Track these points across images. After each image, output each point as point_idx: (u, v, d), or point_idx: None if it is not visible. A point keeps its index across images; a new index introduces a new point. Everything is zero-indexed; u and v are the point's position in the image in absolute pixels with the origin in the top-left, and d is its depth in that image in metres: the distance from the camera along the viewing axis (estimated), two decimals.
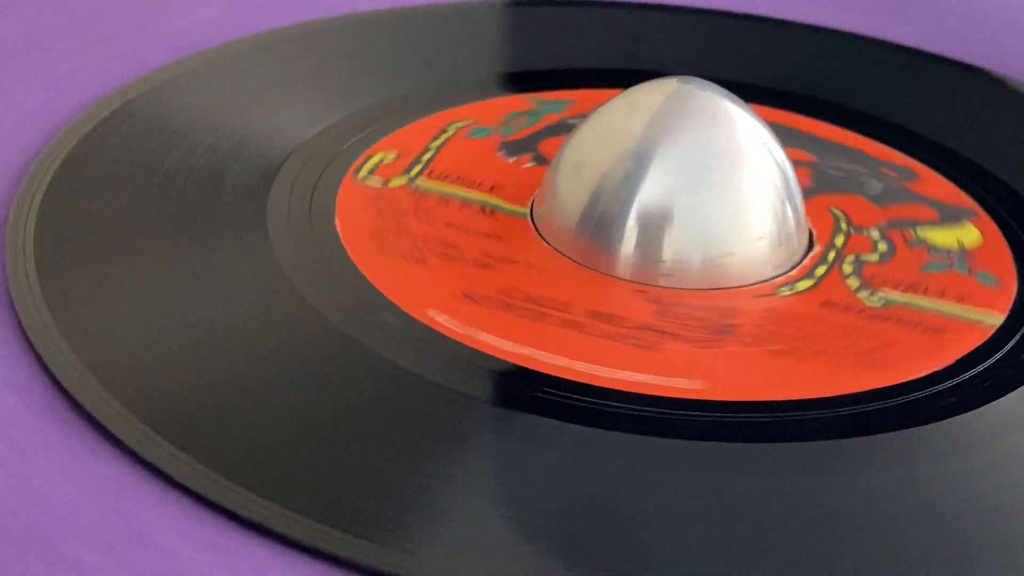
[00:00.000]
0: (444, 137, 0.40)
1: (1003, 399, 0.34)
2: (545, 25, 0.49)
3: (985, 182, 0.42)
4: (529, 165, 0.40)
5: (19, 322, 0.33)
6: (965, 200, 0.41)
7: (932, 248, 0.39)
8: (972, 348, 0.35)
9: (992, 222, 0.40)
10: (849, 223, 0.39)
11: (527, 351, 0.33)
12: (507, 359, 0.33)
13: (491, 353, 0.33)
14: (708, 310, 0.35)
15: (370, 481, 0.30)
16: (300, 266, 0.35)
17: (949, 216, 0.40)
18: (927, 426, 0.33)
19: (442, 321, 0.34)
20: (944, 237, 0.39)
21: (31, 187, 0.38)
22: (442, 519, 0.30)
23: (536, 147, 0.41)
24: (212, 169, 0.39)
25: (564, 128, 0.41)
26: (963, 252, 0.39)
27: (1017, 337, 0.36)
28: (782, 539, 0.30)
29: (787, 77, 0.46)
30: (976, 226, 0.40)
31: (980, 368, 0.35)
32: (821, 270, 0.37)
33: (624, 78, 0.41)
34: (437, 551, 0.29)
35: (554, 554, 0.29)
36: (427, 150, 0.40)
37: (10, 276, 0.35)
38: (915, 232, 0.39)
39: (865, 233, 0.39)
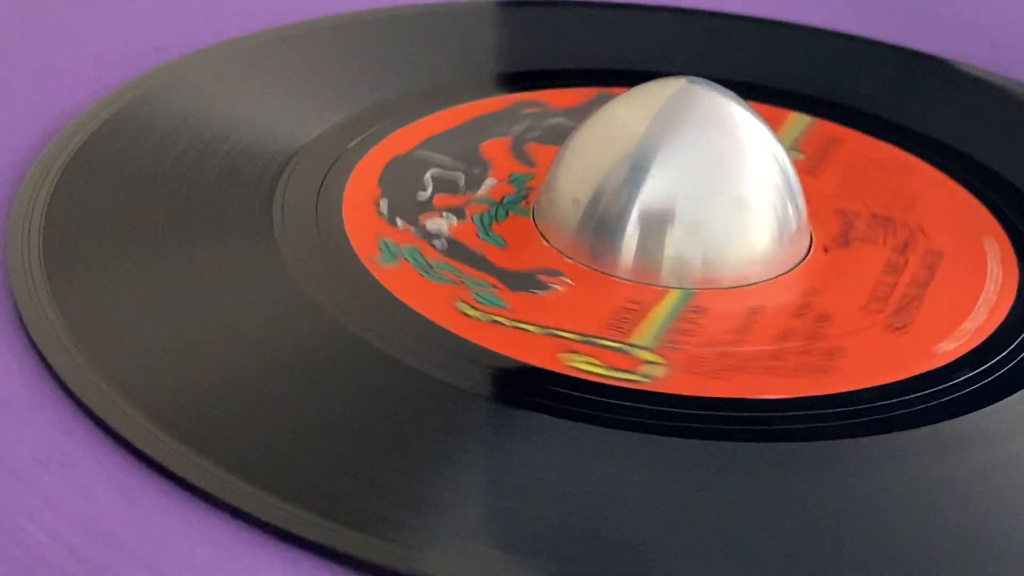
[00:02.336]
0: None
1: (1005, 401, 0.34)
2: (545, 25, 0.49)
3: (985, 180, 0.42)
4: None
5: (22, 321, 0.33)
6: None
7: None
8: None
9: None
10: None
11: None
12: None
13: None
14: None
15: (373, 478, 0.30)
16: (306, 264, 0.36)
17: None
18: (927, 427, 0.33)
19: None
20: None
21: (34, 187, 0.38)
22: (446, 516, 0.30)
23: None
24: (216, 168, 0.39)
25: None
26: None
27: (1019, 339, 0.36)
28: (782, 539, 0.30)
29: (787, 77, 0.46)
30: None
31: (980, 369, 0.35)
32: None
33: (624, 78, 0.42)
34: (440, 548, 0.29)
35: (555, 553, 0.29)
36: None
37: (13, 276, 0.35)
38: None
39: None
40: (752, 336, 0.35)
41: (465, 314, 0.34)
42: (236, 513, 0.29)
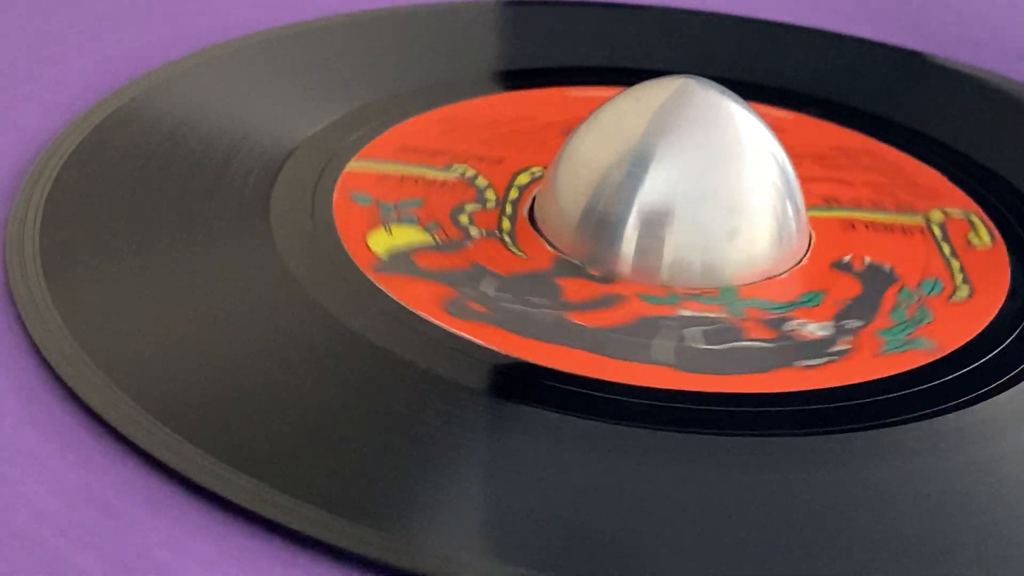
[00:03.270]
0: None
1: (1003, 394, 0.34)
2: (544, 25, 0.49)
3: (987, 180, 0.42)
4: None
5: (21, 320, 0.33)
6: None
7: None
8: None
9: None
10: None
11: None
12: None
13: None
14: None
15: (373, 474, 0.30)
16: (303, 262, 0.36)
17: None
18: (927, 421, 0.33)
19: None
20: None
21: (33, 186, 0.38)
22: (447, 513, 0.30)
23: None
24: (214, 166, 0.39)
25: None
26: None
27: (1016, 333, 0.36)
28: (781, 535, 0.30)
29: (787, 77, 0.46)
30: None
31: (978, 363, 0.35)
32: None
33: (624, 78, 0.42)
34: (442, 544, 0.29)
35: (555, 552, 0.29)
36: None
37: (12, 274, 0.35)
38: None
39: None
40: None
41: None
42: (235, 509, 0.29)
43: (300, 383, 0.32)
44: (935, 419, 0.33)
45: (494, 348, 0.34)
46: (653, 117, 0.37)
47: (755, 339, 0.35)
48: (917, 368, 0.34)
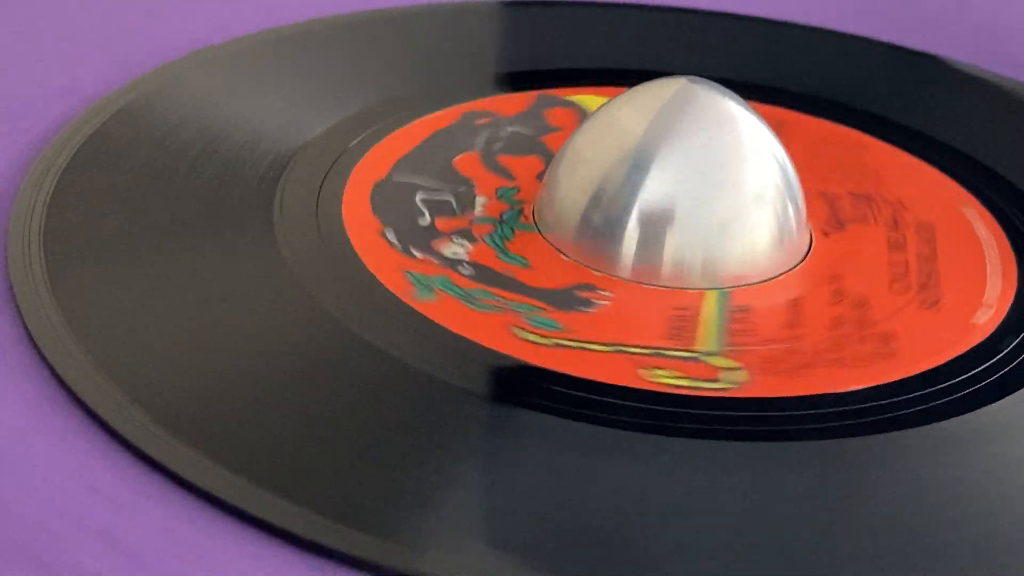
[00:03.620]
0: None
1: (1007, 399, 0.34)
2: (545, 25, 0.49)
3: (987, 179, 0.42)
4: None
5: (23, 320, 0.33)
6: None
7: None
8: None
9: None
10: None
11: None
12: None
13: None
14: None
15: (374, 477, 0.30)
16: (307, 264, 0.36)
17: None
18: (928, 426, 0.33)
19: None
20: None
21: (35, 186, 0.37)
22: (447, 516, 0.30)
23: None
24: (216, 168, 0.39)
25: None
26: None
27: (1019, 338, 0.36)
28: (781, 539, 0.30)
29: (787, 77, 0.46)
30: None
31: (981, 367, 0.35)
32: None
33: (624, 78, 0.42)
34: (442, 547, 0.29)
35: (556, 555, 0.29)
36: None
37: (14, 275, 0.35)
38: None
39: None
40: (805, 329, 0.35)
41: (526, 340, 0.34)
42: (235, 511, 0.29)
43: (302, 385, 0.32)
44: (937, 424, 0.33)
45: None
46: (654, 118, 0.37)
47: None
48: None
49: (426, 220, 0.38)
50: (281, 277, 0.35)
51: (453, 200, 0.38)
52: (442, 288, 0.35)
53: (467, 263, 0.36)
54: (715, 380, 0.33)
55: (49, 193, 0.37)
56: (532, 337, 0.34)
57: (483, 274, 0.36)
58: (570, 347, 0.34)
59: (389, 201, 0.38)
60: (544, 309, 0.35)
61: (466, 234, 0.37)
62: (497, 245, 0.37)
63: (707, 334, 0.35)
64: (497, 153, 0.41)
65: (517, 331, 0.34)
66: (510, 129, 0.42)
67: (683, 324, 0.35)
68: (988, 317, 0.36)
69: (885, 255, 0.38)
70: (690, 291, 0.36)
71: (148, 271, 0.35)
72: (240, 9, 0.48)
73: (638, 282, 0.36)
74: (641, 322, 0.35)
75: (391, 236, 0.36)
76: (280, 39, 0.46)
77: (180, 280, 0.35)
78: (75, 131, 0.40)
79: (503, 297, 0.35)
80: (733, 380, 0.33)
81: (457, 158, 0.40)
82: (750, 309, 0.36)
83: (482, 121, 0.42)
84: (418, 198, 0.38)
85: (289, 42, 0.46)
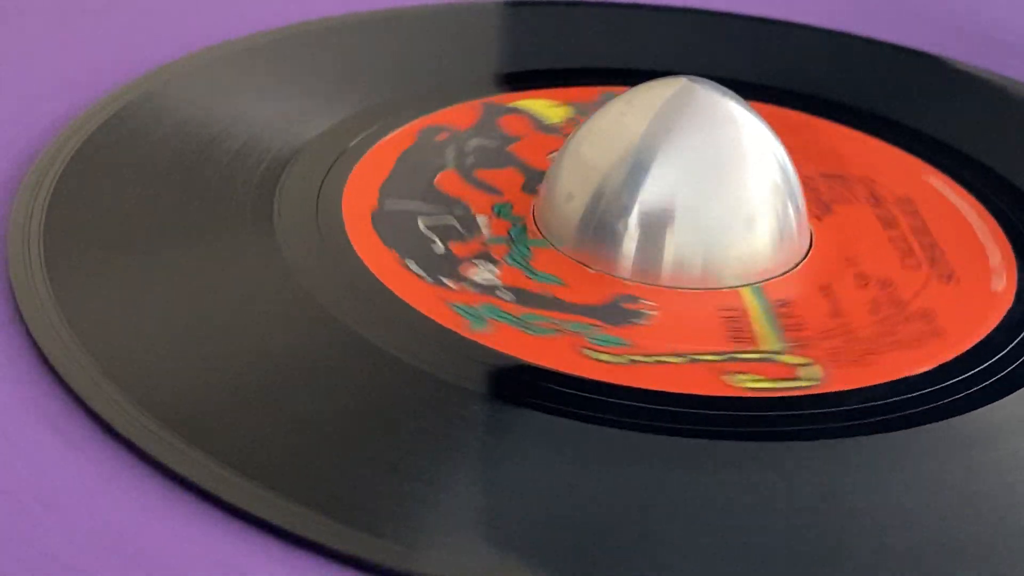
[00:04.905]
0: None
1: (1009, 397, 0.34)
2: (545, 25, 0.49)
3: (987, 178, 0.42)
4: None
5: (23, 319, 0.33)
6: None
7: None
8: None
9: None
10: None
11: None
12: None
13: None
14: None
15: (373, 477, 0.30)
16: (307, 263, 0.36)
17: None
18: (933, 424, 0.33)
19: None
20: None
21: (35, 186, 0.37)
22: (446, 516, 0.30)
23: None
24: (216, 168, 0.39)
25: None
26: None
27: (1020, 337, 0.36)
28: (781, 539, 0.30)
29: (787, 77, 0.46)
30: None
31: (984, 366, 0.35)
32: None
33: (624, 78, 0.42)
34: (441, 547, 0.29)
35: (555, 556, 0.29)
36: None
37: (14, 274, 0.35)
38: None
39: None
40: (851, 316, 0.36)
41: (600, 360, 0.34)
42: (234, 511, 0.29)
43: (302, 384, 0.32)
44: (940, 423, 0.33)
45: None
46: (654, 117, 0.37)
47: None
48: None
49: (440, 248, 0.37)
50: (281, 277, 0.35)
51: (457, 224, 0.38)
52: (493, 316, 0.35)
53: (503, 287, 0.36)
54: (795, 379, 0.33)
55: (49, 193, 0.37)
56: (605, 357, 0.34)
57: (523, 297, 0.36)
58: (646, 363, 0.34)
59: (394, 231, 0.38)
60: (600, 326, 0.35)
61: (486, 257, 0.37)
62: (522, 265, 0.37)
63: (764, 332, 0.35)
64: (472, 168, 0.41)
65: (589, 352, 0.34)
66: (473, 142, 0.42)
67: (738, 325, 0.35)
68: (1004, 284, 0.37)
69: (883, 233, 0.39)
70: (725, 290, 0.36)
71: (147, 271, 0.35)
72: (239, 10, 0.48)
73: (672, 287, 0.36)
74: (699, 328, 0.35)
75: (415, 267, 0.36)
76: (279, 39, 0.46)
77: (179, 280, 0.35)
78: (75, 131, 0.40)
79: (555, 318, 0.35)
80: (812, 377, 0.33)
81: (436, 178, 0.40)
82: (789, 302, 0.36)
83: (440, 137, 0.42)
84: (421, 225, 0.38)
85: (288, 42, 0.46)
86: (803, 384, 0.33)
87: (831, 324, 0.35)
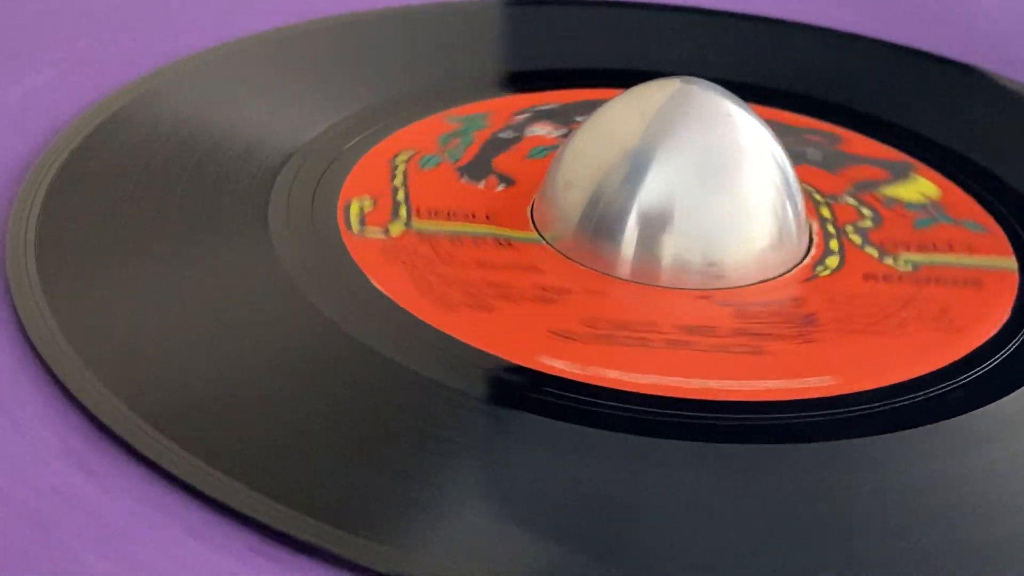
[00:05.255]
0: (400, 174, 0.39)
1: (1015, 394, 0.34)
2: (545, 25, 0.49)
3: (987, 179, 0.42)
4: (501, 187, 0.40)
5: (20, 322, 0.33)
6: (896, 155, 0.42)
7: (908, 205, 0.40)
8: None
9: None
10: (820, 193, 0.40)
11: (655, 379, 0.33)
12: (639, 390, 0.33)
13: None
14: (778, 303, 0.36)
15: (371, 480, 0.30)
16: (302, 266, 0.35)
17: (896, 172, 0.41)
18: (942, 423, 0.33)
19: (560, 366, 0.33)
20: (907, 192, 0.40)
21: (33, 188, 0.38)
22: (444, 518, 0.30)
23: (493, 168, 0.40)
24: (215, 168, 0.39)
25: (500, 143, 0.41)
26: (935, 204, 0.40)
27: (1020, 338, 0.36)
28: (779, 541, 0.30)
29: (787, 77, 0.46)
30: (921, 176, 0.41)
31: (991, 363, 0.35)
32: (834, 244, 0.38)
33: (624, 78, 0.41)
34: (439, 550, 0.29)
35: (554, 553, 0.29)
36: (396, 190, 0.39)
37: (11, 277, 0.35)
38: (881, 192, 0.40)
39: (842, 201, 0.40)
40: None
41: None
42: (231, 514, 0.29)
43: (298, 387, 0.32)
44: (938, 424, 0.33)
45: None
46: (653, 118, 0.37)
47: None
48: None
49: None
50: (277, 279, 0.35)
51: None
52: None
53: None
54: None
55: (48, 194, 0.37)
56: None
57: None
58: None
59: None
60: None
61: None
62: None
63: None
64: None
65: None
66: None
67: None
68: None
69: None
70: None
71: (145, 272, 0.35)
72: (239, 10, 0.48)
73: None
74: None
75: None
76: (278, 40, 0.46)
77: (178, 281, 0.35)
78: (75, 132, 0.40)
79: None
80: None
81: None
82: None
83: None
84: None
85: (287, 43, 0.46)
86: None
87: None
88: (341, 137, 0.41)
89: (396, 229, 0.37)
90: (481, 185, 0.39)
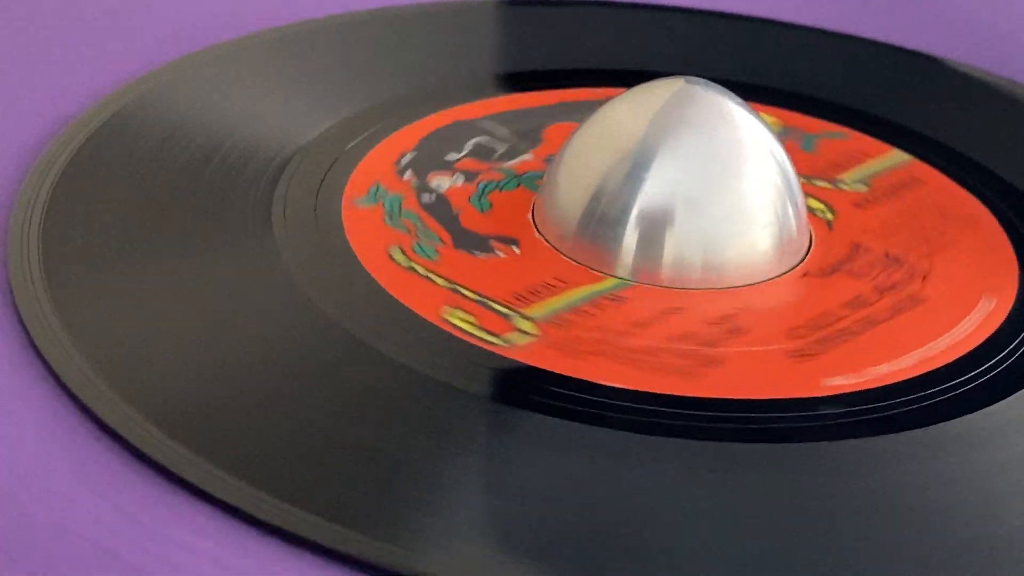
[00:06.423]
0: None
1: (1008, 399, 0.34)
2: (545, 25, 0.49)
3: (986, 179, 0.42)
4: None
5: (22, 322, 0.33)
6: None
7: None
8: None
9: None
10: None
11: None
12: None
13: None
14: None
15: (371, 478, 0.30)
16: (306, 265, 0.36)
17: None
18: (935, 426, 0.33)
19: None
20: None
21: (34, 188, 0.38)
22: (444, 517, 0.30)
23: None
24: (215, 168, 0.39)
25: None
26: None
27: (1020, 337, 0.36)
28: (781, 542, 0.30)
29: (787, 77, 0.46)
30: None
31: (982, 368, 0.35)
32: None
33: (624, 78, 0.42)
34: (439, 548, 0.29)
35: (554, 553, 0.29)
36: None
37: (13, 277, 0.35)
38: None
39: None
40: (651, 332, 0.35)
41: (392, 259, 0.35)
42: (234, 512, 0.29)
43: (301, 386, 0.32)
44: (936, 426, 0.33)
45: (388, 293, 0.34)
46: (653, 118, 0.37)
47: None
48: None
49: (456, 156, 0.38)
50: (280, 279, 0.35)
51: (503, 148, 0.38)
52: (385, 203, 0.36)
53: (437, 194, 0.37)
54: (498, 335, 0.34)
55: (49, 194, 0.37)
56: (399, 259, 0.35)
57: (437, 205, 0.37)
58: (418, 274, 0.35)
59: (448, 137, 0.39)
60: (443, 242, 0.36)
61: (470, 175, 0.38)
62: (481, 189, 0.37)
63: (550, 305, 0.35)
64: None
65: (393, 251, 0.35)
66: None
67: (542, 291, 0.35)
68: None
69: (831, 306, 0.37)
70: (591, 270, 0.36)
71: (147, 271, 0.35)
72: (239, 9, 0.48)
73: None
74: (508, 278, 0.35)
75: (405, 159, 0.37)
76: (279, 39, 0.46)
77: (179, 282, 0.35)
78: (75, 132, 0.40)
79: (421, 221, 0.36)
80: (512, 341, 0.34)
81: (551, 126, 0.41)
82: (625, 300, 0.36)
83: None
84: (473, 140, 0.38)
85: (288, 42, 0.46)
86: (497, 342, 0.33)
87: (618, 327, 0.35)
88: (344, 137, 0.41)
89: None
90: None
